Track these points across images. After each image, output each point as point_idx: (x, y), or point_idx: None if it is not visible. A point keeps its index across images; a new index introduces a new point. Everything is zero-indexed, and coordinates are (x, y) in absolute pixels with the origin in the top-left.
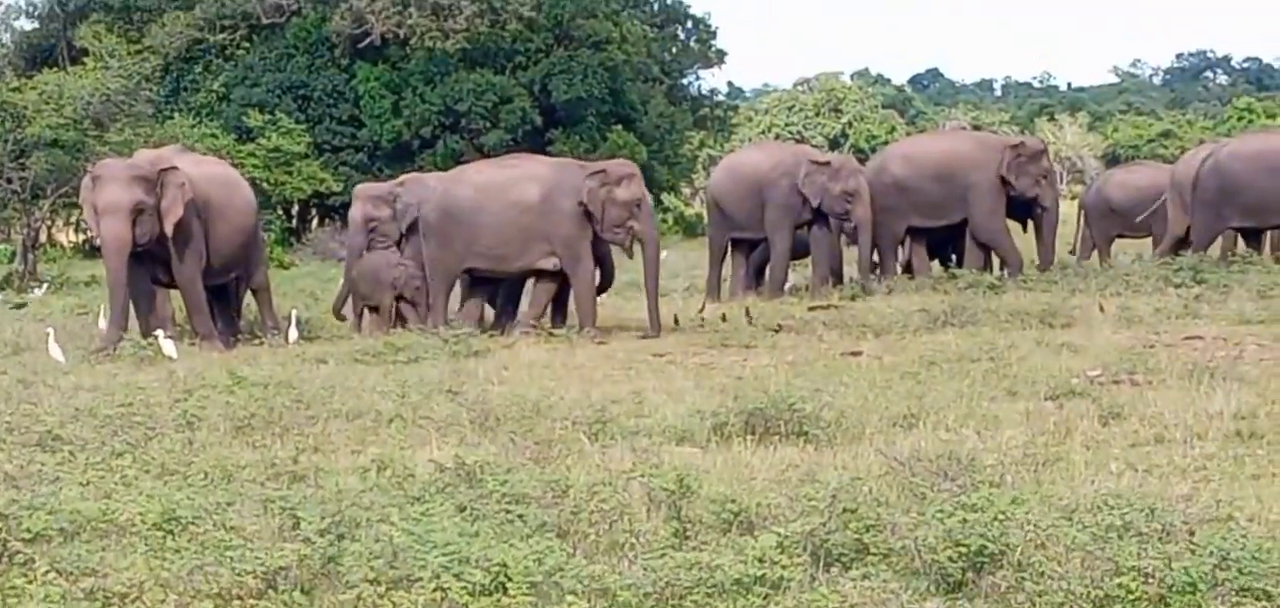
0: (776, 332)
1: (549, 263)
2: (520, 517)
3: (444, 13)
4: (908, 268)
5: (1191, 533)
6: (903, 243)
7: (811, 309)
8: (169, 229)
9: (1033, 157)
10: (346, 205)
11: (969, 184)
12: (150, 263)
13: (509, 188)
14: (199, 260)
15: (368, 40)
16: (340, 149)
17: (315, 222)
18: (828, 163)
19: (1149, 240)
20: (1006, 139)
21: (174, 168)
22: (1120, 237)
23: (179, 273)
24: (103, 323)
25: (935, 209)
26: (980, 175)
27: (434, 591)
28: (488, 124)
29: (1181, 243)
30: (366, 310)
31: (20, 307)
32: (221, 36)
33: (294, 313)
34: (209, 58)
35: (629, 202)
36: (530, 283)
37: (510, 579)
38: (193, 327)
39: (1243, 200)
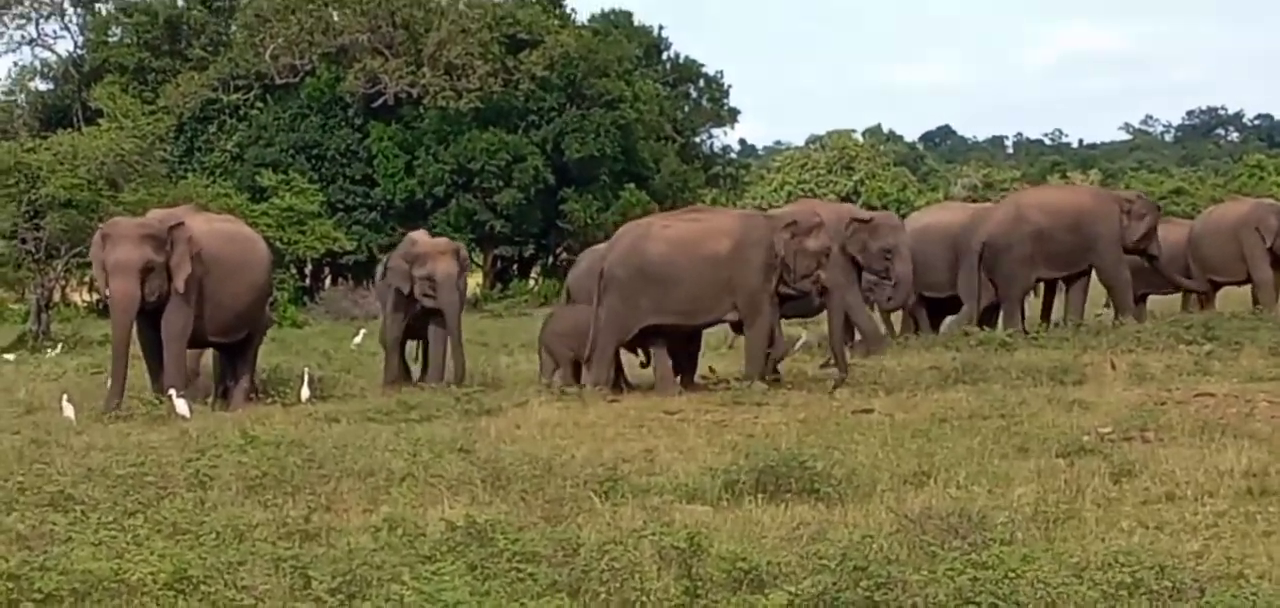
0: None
1: (732, 315)
2: (531, 576)
3: (457, 72)
4: (916, 326)
5: (1202, 591)
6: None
7: (823, 366)
8: (179, 286)
9: (1144, 212)
10: (360, 264)
11: (1097, 234)
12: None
13: (702, 242)
14: (187, 317)
15: (381, 100)
16: (353, 208)
17: (328, 280)
18: (870, 220)
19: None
20: (1118, 193)
21: (182, 224)
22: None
23: (167, 323)
24: None
25: (1065, 259)
26: (1106, 227)
27: None
28: (501, 183)
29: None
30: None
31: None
32: (235, 97)
33: (306, 371)
34: (223, 117)
35: (819, 251)
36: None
37: None
38: (161, 378)
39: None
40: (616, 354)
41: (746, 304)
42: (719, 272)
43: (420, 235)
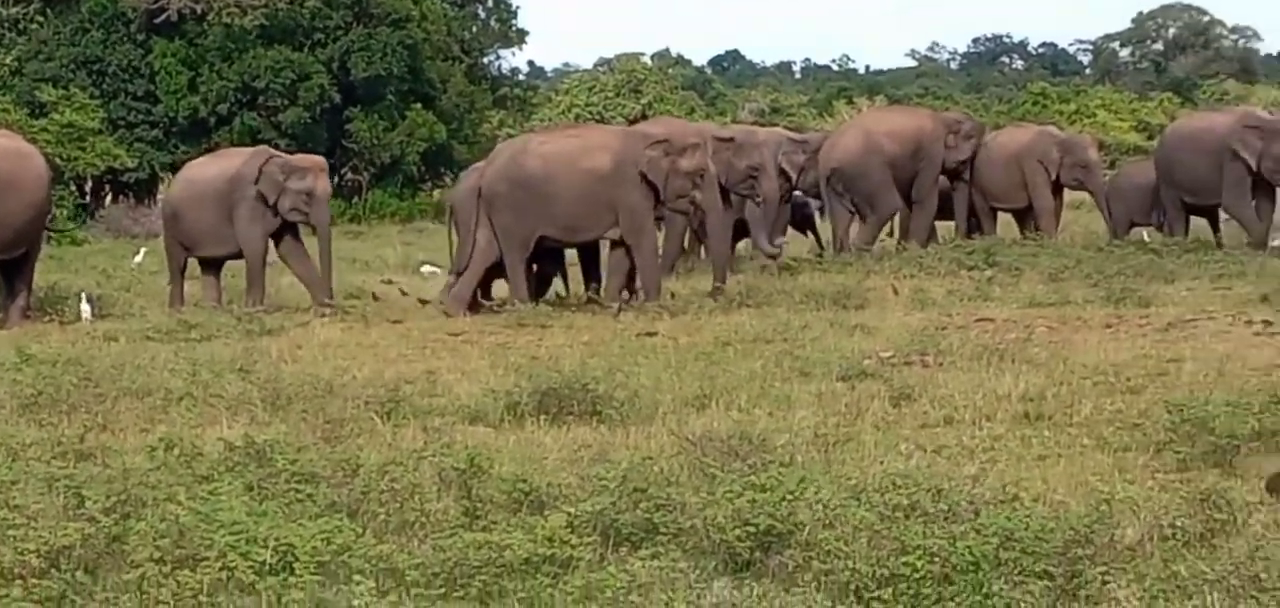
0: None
1: (615, 233)
2: (309, 496)
3: None
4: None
5: (977, 513)
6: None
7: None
8: None
9: (971, 133)
10: (141, 182)
11: (929, 157)
12: None
13: (581, 157)
14: None
15: (164, 16)
16: (135, 125)
17: (109, 198)
18: (732, 138)
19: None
20: (946, 115)
21: None
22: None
23: None
24: None
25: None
26: (935, 150)
27: (220, 570)
28: (286, 101)
29: None
30: None
31: None
32: (14, 10)
33: (84, 292)
34: (1, 31)
35: (692, 171)
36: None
37: (298, 559)
38: None
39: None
40: (529, 268)
41: (628, 222)
42: (599, 188)
43: (265, 150)
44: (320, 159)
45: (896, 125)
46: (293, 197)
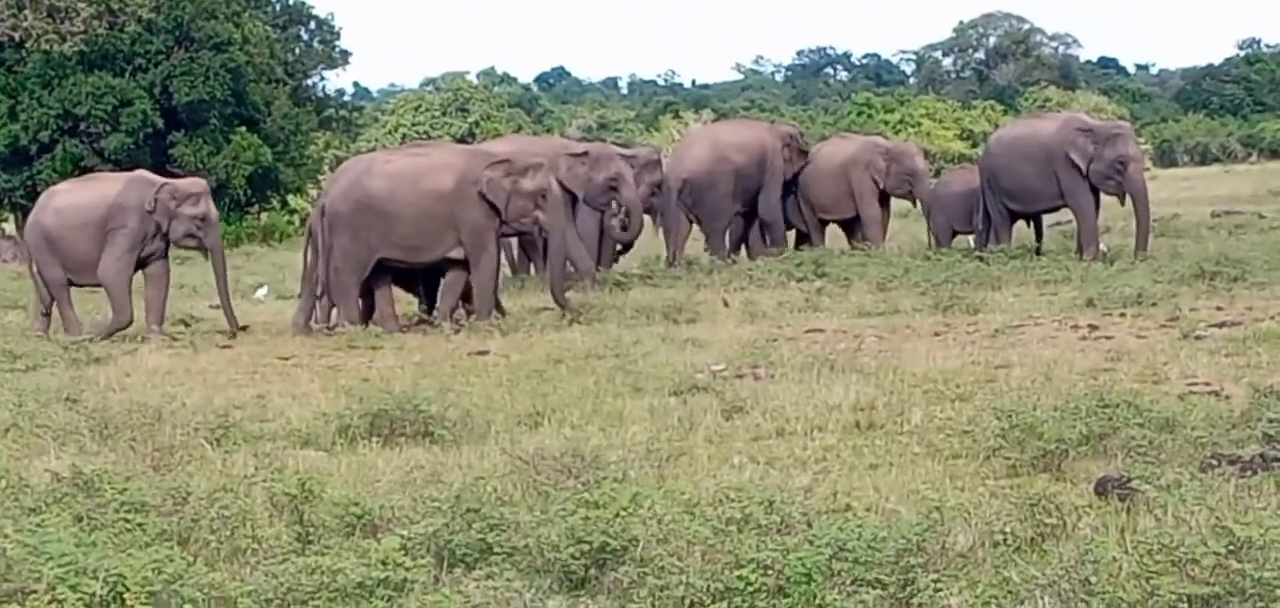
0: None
1: (457, 252)
2: (139, 526)
3: (60, 15)
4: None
5: (810, 524)
6: None
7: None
8: None
9: (804, 148)
10: None
11: (772, 169)
12: None
13: (424, 176)
14: None
15: None
16: None
17: None
18: (586, 152)
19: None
20: (781, 128)
21: None
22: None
23: None
24: None
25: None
26: (776, 162)
27: (49, 603)
28: (108, 128)
29: None
30: None
31: None
32: None
33: (266, 285)
34: None
35: (535, 192)
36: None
37: (128, 589)
38: None
39: None
40: (366, 291)
41: (470, 240)
42: (442, 207)
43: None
44: (204, 182)
45: (743, 138)
46: (186, 222)
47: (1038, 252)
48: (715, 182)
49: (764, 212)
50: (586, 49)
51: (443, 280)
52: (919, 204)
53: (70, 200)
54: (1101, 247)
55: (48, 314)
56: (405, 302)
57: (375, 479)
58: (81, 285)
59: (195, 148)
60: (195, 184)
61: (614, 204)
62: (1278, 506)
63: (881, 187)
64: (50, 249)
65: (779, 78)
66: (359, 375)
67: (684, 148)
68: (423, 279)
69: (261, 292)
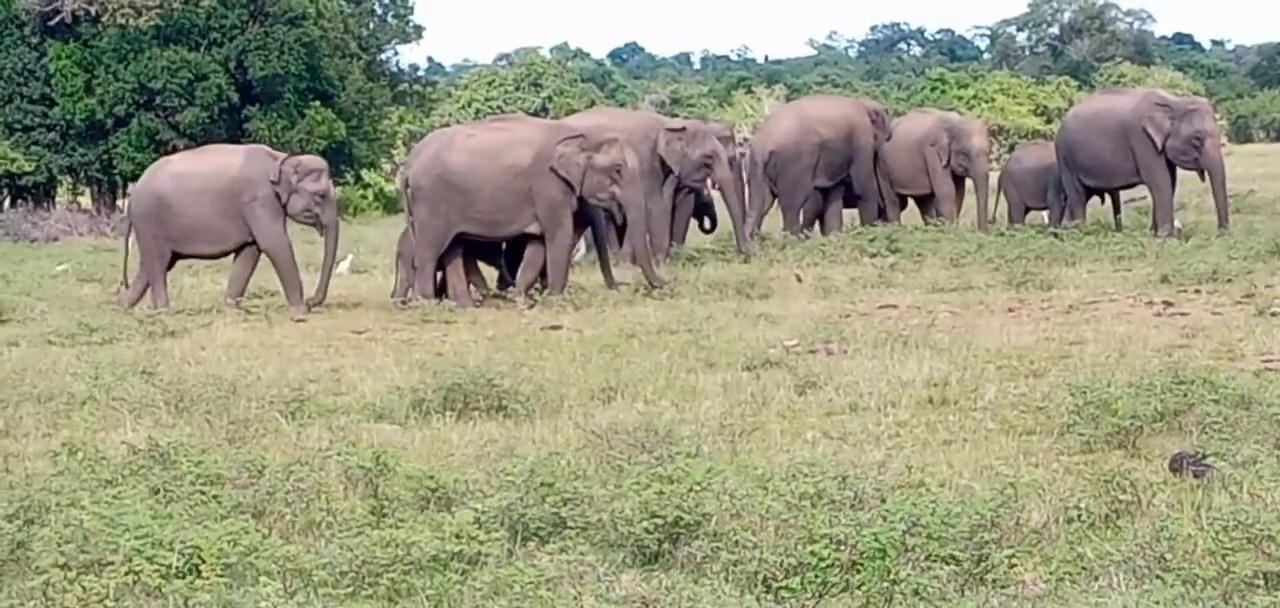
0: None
1: (534, 227)
2: (215, 498)
3: None
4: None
5: (883, 500)
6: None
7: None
8: None
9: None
10: (39, 186)
11: (859, 146)
12: None
13: (503, 151)
14: None
15: (58, 18)
16: (31, 128)
17: (7, 202)
18: (683, 128)
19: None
20: (868, 104)
21: None
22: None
23: None
24: None
25: (838, 168)
26: (866, 138)
27: (126, 574)
28: (184, 102)
29: None
30: None
31: None
32: None
33: (350, 257)
34: None
35: (609, 167)
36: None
37: (204, 561)
38: None
39: None
40: (441, 265)
41: (546, 216)
42: (519, 182)
43: (263, 149)
44: (323, 160)
45: (831, 113)
46: (306, 197)
47: (1117, 227)
48: (800, 154)
49: (857, 186)
50: (659, 24)
51: (524, 254)
52: (974, 182)
53: (189, 167)
54: (1177, 223)
55: (143, 289)
56: (488, 275)
57: (449, 453)
58: (186, 256)
59: (270, 122)
60: (316, 161)
61: (708, 181)
62: None
63: (943, 163)
64: (160, 215)
65: (852, 53)
66: (433, 350)
67: (771, 122)
68: (505, 253)
69: (344, 264)
